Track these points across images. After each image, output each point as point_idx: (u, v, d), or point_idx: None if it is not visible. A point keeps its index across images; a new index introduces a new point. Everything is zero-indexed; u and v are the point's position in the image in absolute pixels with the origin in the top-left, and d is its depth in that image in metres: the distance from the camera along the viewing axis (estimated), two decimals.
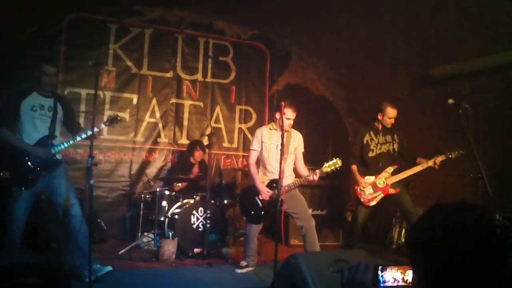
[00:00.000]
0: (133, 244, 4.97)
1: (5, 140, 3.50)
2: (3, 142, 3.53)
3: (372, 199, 4.71)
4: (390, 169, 4.75)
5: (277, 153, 4.12)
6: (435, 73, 5.19)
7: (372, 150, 4.82)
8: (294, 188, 4.28)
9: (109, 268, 3.67)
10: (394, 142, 4.86)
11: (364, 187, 4.71)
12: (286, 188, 4.17)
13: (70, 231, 3.54)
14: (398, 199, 4.80)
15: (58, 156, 3.71)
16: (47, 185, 3.65)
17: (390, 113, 4.73)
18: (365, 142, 4.83)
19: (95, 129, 3.54)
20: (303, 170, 4.39)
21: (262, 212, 4.30)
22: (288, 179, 4.30)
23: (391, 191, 4.71)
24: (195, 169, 5.76)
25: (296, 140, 4.42)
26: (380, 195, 4.72)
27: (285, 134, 4.25)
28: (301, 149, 4.46)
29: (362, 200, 4.73)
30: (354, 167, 4.80)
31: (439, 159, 4.55)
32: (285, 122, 4.16)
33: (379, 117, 4.80)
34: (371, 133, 4.85)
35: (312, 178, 4.13)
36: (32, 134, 3.55)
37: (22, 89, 3.63)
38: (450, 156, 4.55)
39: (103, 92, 5.95)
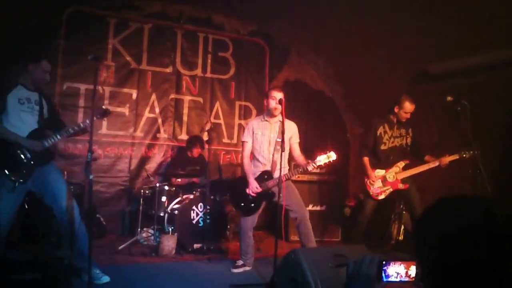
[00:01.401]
0: (132, 239, 4.99)
1: None
2: None
3: (381, 193, 4.67)
4: (401, 164, 4.69)
5: (269, 145, 4.15)
6: (434, 70, 5.18)
7: (385, 143, 4.75)
8: (288, 180, 4.16)
9: (107, 279, 3.53)
10: (407, 136, 4.78)
11: (373, 181, 4.68)
12: (277, 180, 4.04)
13: (70, 233, 3.32)
14: (406, 195, 4.75)
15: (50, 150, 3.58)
16: (41, 181, 3.49)
17: (408, 107, 4.62)
18: (378, 134, 4.75)
19: (86, 122, 3.52)
20: (300, 158, 4.29)
21: (252, 204, 4.22)
22: (282, 170, 4.21)
23: (401, 186, 4.66)
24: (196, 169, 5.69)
25: (290, 130, 4.31)
26: (389, 189, 4.67)
27: (278, 123, 4.21)
28: (296, 139, 4.36)
29: (371, 193, 4.69)
30: (366, 159, 4.71)
31: (447, 159, 4.47)
32: (271, 104, 4.14)
33: (395, 110, 4.69)
34: (386, 125, 4.76)
35: (311, 168, 4.01)
36: (21, 128, 3.44)
37: (7, 82, 3.53)
38: (464, 155, 4.41)
39: (102, 87, 5.94)
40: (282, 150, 3.79)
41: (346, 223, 5.91)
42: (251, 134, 4.35)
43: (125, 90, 6.12)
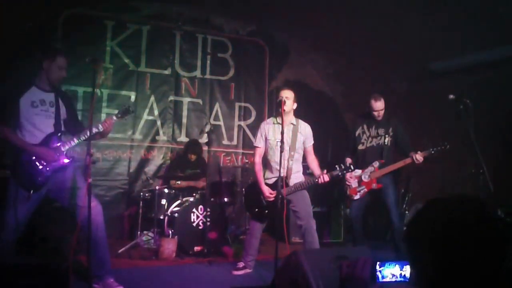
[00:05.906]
0: (132, 243, 4.95)
1: (5, 139, 3.19)
2: (4, 142, 3.21)
3: (356, 193, 4.68)
4: (376, 163, 4.65)
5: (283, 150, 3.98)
6: (435, 67, 5.15)
7: (363, 143, 4.75)
8: (302, 190, 4.08)
9: None
10: (387, 135, 4.70)
11: (350, 182, 4.67)
12: (293, 188, 4.02)
13: (88, 238, 3.06)
14: (382, 195, 4.72)
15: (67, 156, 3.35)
16: (57, 188, 3.33)
17: (374, 106, 4.61)
18: (357, 134, 4.78)
19: (101, 124, 3.39)
20: (313, 164, 4.20)
21: (266, 211, 4.14)
22: (297, 176, 4.13)
23: (374, 186, 4.63)
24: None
25: (304, 133, 4.19)
26: (363, 190, 4.66)
27: (291, 127, 4.13)
28: (310, 141, 4.25)
29: (348, 193, 4.73)
30: (347, 160, 4.70)
31: (420, 155, 4.41)
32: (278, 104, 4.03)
33: (369, 110, 4.70)
34: (364, 125, 4.77)
35: (322, 181, 3.96)
36: (34, 133, 3.25)
37: (20, 84, 3.32)
38: (432, 152, 4.39)
39: (100, 89, 5.90)
40: (281, 150, 3.68)
41: (348, 224, 5.87)
42: (263, 139, 4.22)
43: (124, 92, 6.09)
